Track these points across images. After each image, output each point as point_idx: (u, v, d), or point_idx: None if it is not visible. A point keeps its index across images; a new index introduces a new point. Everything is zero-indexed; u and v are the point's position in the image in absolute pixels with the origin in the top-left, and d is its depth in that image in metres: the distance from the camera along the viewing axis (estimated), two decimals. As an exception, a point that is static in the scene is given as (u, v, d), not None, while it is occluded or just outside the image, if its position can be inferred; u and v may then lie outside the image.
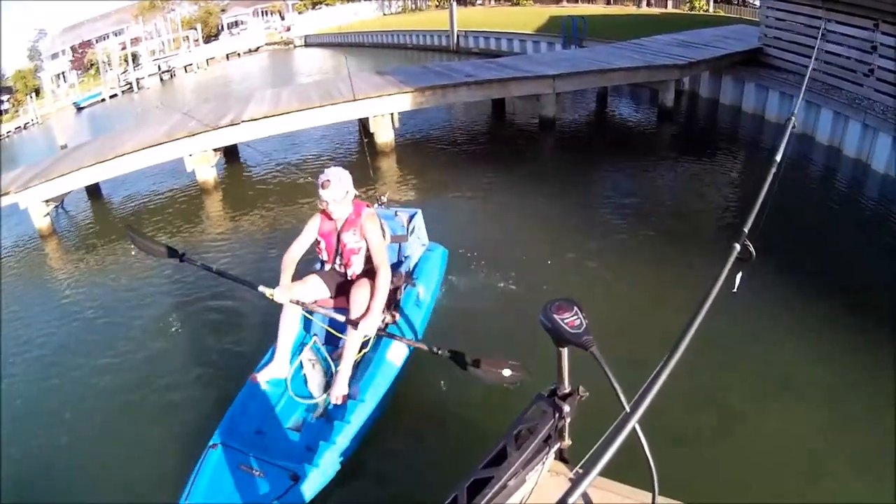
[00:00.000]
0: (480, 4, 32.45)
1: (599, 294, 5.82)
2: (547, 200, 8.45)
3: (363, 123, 11.04)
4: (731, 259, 2.04)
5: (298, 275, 4.23)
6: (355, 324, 3.87)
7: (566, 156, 10.85)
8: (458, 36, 24.12)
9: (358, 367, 4.11)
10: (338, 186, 3.91)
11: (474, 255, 6.67)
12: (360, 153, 11.71)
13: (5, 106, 46.50)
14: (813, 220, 7.24)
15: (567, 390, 1.89)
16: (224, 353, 5.58)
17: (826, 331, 4.90)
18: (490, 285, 6.18)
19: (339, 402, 3.82)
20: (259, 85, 26.42)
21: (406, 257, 5.13)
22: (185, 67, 48.53)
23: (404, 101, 10.90)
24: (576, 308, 1.70)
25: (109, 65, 47.22)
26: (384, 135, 11.14)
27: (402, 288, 4.67)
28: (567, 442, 1.99)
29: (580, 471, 1.97)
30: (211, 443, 3.58)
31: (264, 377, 4.07)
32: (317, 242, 4.23)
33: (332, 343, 4.34)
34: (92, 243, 10.00)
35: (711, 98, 12.66)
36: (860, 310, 5.11)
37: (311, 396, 3.98)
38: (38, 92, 41.75)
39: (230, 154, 12.30)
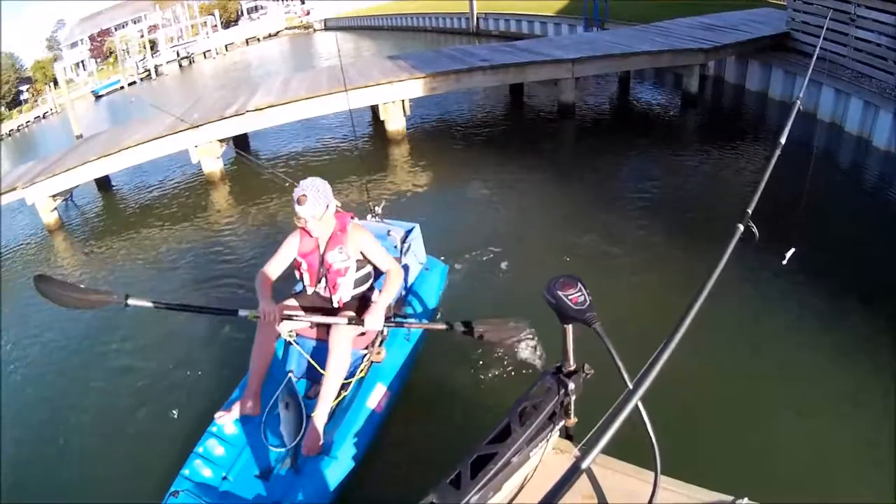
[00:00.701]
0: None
1: (613, 278, 5.65)
2: (565, 189, 8.13)
3: (374, 111, 10.76)
4: (735, 239, 2.04)
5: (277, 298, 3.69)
6: (360, 323, 3.52)
7: (586, 143, 10.46)
8: (477, 18, 23.65)
9: (335, 412, 3.59)
10: (316, 201, 3.37)
11: (486, 248, 6.44)
12: (372, 141, 11.50)
13: (25, 96, 46.97)
14: (840, 215, 6.83)
15: (572, 367, 1.89)
16: (216, 365, 5.25)
17: (834, 315, 4.86)
18: (499, 279, 5.97)
19: (313, 454, 3.31)
20: (276, 70, 26.23)
21: None
22: (203, 53, 48.58)
23: (416, 87, 10.54)
24: (580, 284, 1.73)
25: (128, 53, 47.36)
26: (395, 122, 10.82)
27: (392, 318, 4.00)
28: (573, 420, 2.00)
29: (585, 448, 1.92)
30: (172, 489, 3.21)
31: (233, 416, 3.58)
32: (296, 263, 3.71)
33: (312, 377, 3.76)
34: (99, 235, 9.97)
35: (737, 84, 12.06)
36: (872, 301, 4.96)
37: (282, 442, 3.40)
38: (56, 82, 41.97)
39: (241, 143, 12.10)
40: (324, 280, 3.70)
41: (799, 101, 3.12)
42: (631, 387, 1.45)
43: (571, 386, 1.87)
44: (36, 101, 44.98)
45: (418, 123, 12.01)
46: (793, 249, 2.27)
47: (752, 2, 15.46)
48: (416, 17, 30.73)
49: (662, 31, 12.59)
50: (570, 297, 1.70)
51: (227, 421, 3.54)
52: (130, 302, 3.57)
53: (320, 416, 3.40)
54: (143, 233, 9.47)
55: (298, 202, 3.33)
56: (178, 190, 11.13)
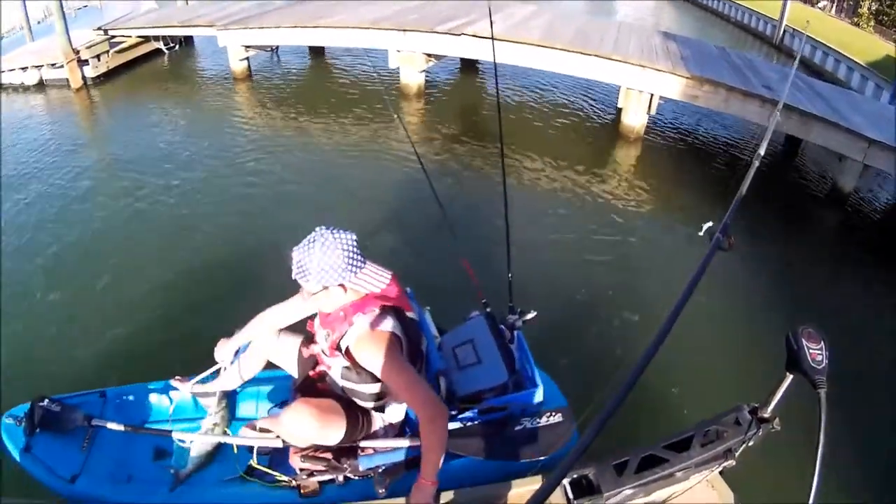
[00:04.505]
0: (820, 8, 27.27)
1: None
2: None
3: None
4: (712, 247, 1.96)
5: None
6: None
7: (848, 251, 7.08)
8: (784, 30, 20.05)
9: None
10: (308, 273, 2.13)
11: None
12: (601, 127, 9.48)
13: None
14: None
15: (767, 415, 1.81)
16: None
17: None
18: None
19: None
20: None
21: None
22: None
23: (670, 86, 8.20)
24: (823, 344, 1.61)
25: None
26: (634, 116, 8.60)
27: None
28: (733, 462, 1.92)
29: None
30: (103, 390, 2.93)
31: (190, 389, 2.88)
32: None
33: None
34: (280, 100, 9.77)
35: None
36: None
37: (184, 459, 2.76)
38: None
39: (468, 65, 11.06)
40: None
41: (777, 112, 3.18)
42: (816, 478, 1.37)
43: (760, 432, 1.79)
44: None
45: (661, 126, 9.55)
46: (710, 223, 2.09)
47: None
48: (724, 2, 27.00)
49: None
50: (811, 351, 1.57)
51: (182, 389, 2.94)
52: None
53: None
54: (320, 117, 8.96)
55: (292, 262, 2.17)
56: (370, 88, 10.19)
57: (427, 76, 9.67)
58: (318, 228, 2.14)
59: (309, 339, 2.51)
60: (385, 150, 7.88)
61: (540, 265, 5.61)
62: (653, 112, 8.68)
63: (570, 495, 1.83)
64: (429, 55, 8.96)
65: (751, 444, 1.84)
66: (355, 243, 2.14)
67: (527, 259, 5.28)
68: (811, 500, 1.37)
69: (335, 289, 2.16)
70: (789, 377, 1.69)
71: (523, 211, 6.51)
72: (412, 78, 9.24)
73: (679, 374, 4.13)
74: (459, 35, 8.25)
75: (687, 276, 1.82)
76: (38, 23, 13.95)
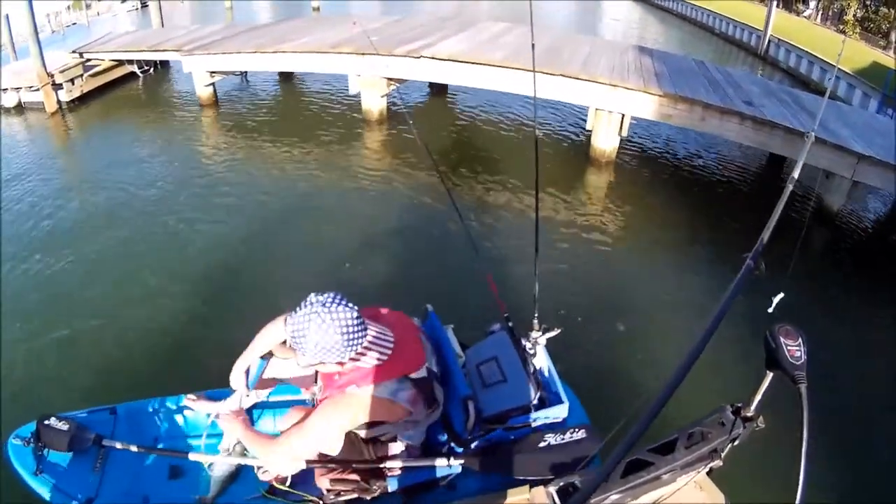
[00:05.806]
0: (806, 17, 27.12)
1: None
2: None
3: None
4: (743, 271, 1.86)
5: None
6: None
7: (835, 271, 6.75)
8: (769, 41, 19.77)
9: None
10: (304, 350, 2.06)
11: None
12: (572, 152, 9.05)
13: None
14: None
15: (751, 414, 1.82)
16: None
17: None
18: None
19: None
20: (522, 18, 23.45)
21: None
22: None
23: (642, 105, 7.83)
24: (801, 340, 1.64)
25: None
26: (605, 139, 8.22)
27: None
28: (720, 463, 1.92)
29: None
30: (109, 406, 2.89)
31: (205, 408, 2.85)
32: None
33: None
34: (246, 126, 9.59)
35: None
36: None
37: (205, 487, 2.75)
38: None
39: (438, 87, 10.70)
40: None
41: (813, 133, 3.08)
42: (802, 475, 1.35)
43: (744, 431, 1.80)
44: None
45: (634, 148, 9.15)
46: (781, 295, 1.84)
47: None
48: (708, 14, 26.71)
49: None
50: (788, 348, 1.59)
51: (195, 407, 2.94)
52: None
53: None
54: (283, 144, 8.78)
55: (292, 338, 2.06)
56: (334, 114, 9.94)
57: (392, 99, 9.31)
58: (312, 299, 2.01)
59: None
60: (354, 171, 7.77)
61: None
62: (624, 133, 8.28)
63: (558, 502, 1.89)
64: (390, 79, 8.63)
65: (737, 443, 1.85)
66: (356, 321, 2.02)
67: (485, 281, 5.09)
68: (799, 494, 1.37)
69: (331, 364, 2.11)
70: (769, 375, 1.71)
71: (496, 237, 6.42)
72: (374, 104, 8.92)
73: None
74: (419, 58, 7.92)
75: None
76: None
